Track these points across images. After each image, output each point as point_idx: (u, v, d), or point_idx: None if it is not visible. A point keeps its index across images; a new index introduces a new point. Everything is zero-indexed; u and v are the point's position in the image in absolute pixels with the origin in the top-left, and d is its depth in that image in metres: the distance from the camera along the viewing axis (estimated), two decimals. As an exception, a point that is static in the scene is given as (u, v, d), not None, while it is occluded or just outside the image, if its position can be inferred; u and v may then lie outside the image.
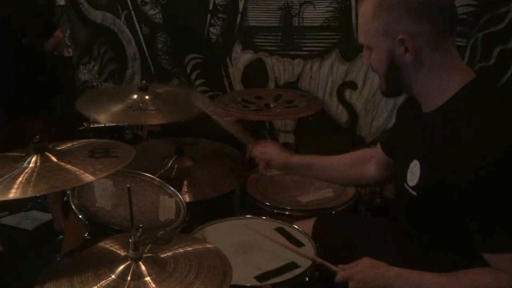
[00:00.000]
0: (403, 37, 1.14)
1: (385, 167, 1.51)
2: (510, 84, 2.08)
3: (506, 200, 1.06)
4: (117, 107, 1.74)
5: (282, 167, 1.66)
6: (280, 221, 1.58)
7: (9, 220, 2.68)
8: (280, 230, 1.52)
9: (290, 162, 1.63)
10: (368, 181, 1.62)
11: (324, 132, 2.56)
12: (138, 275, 1.04)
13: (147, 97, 1.81)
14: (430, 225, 1.23)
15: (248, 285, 1.25)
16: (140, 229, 1.08)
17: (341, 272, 1.27)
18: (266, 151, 1.64)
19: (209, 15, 2.74)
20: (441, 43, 1.16)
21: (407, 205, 1.30)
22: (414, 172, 1.22)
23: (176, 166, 1.91)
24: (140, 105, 1.77)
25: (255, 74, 2.71)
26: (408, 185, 1.24)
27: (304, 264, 1.34)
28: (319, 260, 1.33)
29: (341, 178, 1.66)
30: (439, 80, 1.17)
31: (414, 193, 1.21)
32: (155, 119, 1.75)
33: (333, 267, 1.30)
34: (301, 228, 1.53)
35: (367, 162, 1.58)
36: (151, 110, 1.75)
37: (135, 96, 1.81)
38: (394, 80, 1.22)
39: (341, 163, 1.63)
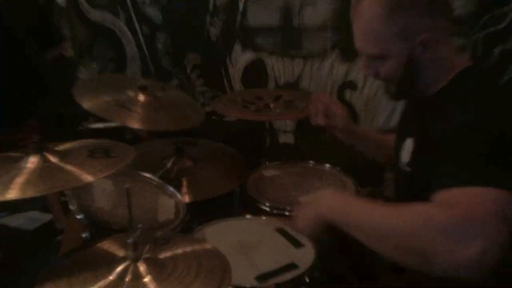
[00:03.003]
0: (426, 36, 1.08)
1: None
2: (510, 84, 2.08)
3: (473, 153, 0.99)
4: (107, 100, 1.66)
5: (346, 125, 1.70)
6: (280, 221, 1.58)
7: (9, 220, 2.68)
8: (280, 230, 1.52)
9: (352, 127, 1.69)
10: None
11: (324, 132, 2.56)
12: (137, 276, 1.04)
13: (142, 97, 1.75)
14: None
15: (248, 286, 1.25)
16: (139, 229, 1.08)
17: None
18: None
19: (209, 15, 2.74)
20: (449, 34, 1.16)
21: (403, 183, 1.30)
22: (407, 150, 1.22)
23: (175, 166, 1.90)
24: (128, 103, 1.68)
25: (255, 74, 2.72)
26: (402, 163, 1.25)
27: (304, 264, 1.34)
28: None
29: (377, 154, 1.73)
30: (443, 68, 1.16)
31: (408, 168, 1.21)
32: (135, 122, 1.65)
33: None
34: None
35: None
36: (136, 112, 1.66)
37: (130, 94, 1.75)
38: (409, 82, 1.17)
39: (384, 140, 1.66)
